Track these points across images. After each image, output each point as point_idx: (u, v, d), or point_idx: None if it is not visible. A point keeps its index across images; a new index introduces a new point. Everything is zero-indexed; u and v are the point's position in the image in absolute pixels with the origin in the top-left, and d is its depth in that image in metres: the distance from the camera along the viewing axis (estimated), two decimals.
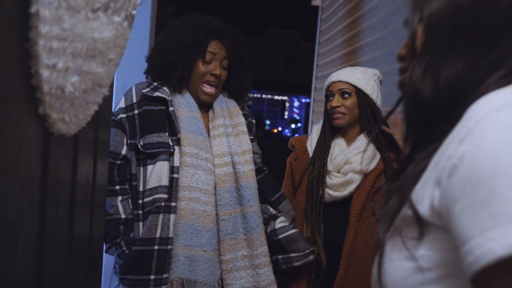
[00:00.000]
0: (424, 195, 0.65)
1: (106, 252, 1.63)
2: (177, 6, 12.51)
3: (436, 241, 0.64)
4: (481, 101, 0.63)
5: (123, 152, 1.63)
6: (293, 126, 27.46)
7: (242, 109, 1.85)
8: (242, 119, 1.80)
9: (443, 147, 0.64)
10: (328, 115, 1.92)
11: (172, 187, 1.59)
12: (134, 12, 0.83)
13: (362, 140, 1.88)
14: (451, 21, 0.70)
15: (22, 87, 0.61)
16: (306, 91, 24.86)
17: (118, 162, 1.63)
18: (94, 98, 0.81)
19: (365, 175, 1.83)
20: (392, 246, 0.70)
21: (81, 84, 0.72)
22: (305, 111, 26.74)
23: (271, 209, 1.79)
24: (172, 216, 1.58)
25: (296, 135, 26.34)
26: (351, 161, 1.83)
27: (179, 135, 1.62)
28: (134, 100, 1.67)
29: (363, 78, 1.86)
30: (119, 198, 1.61)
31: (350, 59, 4.11)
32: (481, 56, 0.67)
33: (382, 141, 1.88)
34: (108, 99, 1.12)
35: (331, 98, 1.88)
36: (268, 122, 26.48)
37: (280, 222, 1.78)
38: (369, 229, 1.61)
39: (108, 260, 1.80)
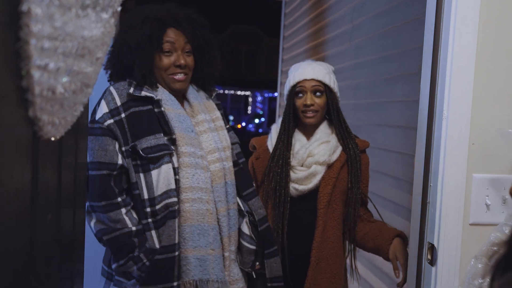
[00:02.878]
0: None
1: (120, 268, 1.53)
2: (136, 1, 12.26)
3: None
4: None
5: (119, 161, 1.53)
6: (256, 121, 27.49)
7: (211, 97, 1.79)
8: (218, 113, 1.76)
9: None
10: (295, 111, 1.92)
11: (177, 190, 1.54)
12: (119, 9, 0.80)
13: (321, 132, 1.91)
14: None
15: (13, 90, 0.58)
16: (268, 86, 24.91)
17: (115, 172, 1.52)
18: (82, 98, 0.78)
19: (329, 166, 1.86)
20: None
21: (71, 85, 0.69)
22: (268, 105, 26.80)
23: (241, 204, 1.75)
24: (176, 219, 1.54)
25: (260, 130, 26.43)
26: (313, 153, 1.86)
27: (174, 136, 1.55)
28: (118, 103, 1.56)
29: (330, 76, 1.90)
30: (123, 210, 1.52)
31: (316, 52, 4.13)
32: None
33: (344, 133, 1.91)
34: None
35: (301, 95, 1.88)
36: (231, 117, 26.41)
37: (243, 226, 1.74)
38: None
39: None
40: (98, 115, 1.55)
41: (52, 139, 0.76)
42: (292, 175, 1.87)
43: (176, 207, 1.53)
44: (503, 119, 1.45)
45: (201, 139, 1.64)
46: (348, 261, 1.96)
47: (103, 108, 1.56)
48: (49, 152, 0.78)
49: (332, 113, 1.92)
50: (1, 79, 0.54)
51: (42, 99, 0.64)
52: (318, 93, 1.88)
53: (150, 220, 1.53)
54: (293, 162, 1.89)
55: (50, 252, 0.83)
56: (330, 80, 1.89)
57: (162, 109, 1.57)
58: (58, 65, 0.63)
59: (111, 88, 1.59)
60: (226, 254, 1.63)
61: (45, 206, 0.76)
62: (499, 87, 1.45)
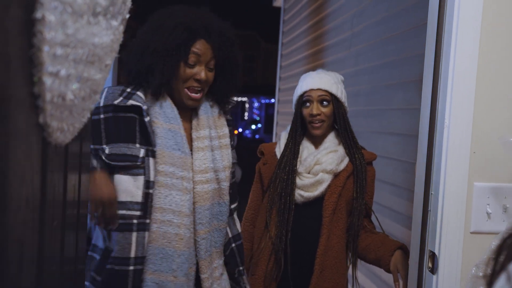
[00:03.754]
0: None
1: None
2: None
3: None
4: None
5: None
6: (253, 127, 27.50)
7: (225, 113, 1.72)
8: (227, 130, 1.69)
9: None
10: (302, 120, 1.94)
11: (147, 203, 1.48)
12: (128, 16, 0.81)
13: (330, 142, 1.93)
14: None
15: (25, 96, 0.58)
16: (265, 91, 24.92)
17: None
18: (90, 105, 0.78)
19: (335, 175, 1.87)
20: None
21: (80, 91, 0.69)
22: (265, 111, 26.82)
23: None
24: (146, 234, 1.47)
25: (257, 136, 26.40)
26: (321, 161, 1.87)
27: (154, 148, 1.50)
28: (101, 104, 1.52)
29: (337, 86, 1.91)
30: None
31: (315, 59, 4.15)
32: None
33: (350, 143, 1.93)
34: None
35: (308, 104, 1.90)
36: None
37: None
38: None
39: None
40: None
41: (59, 146, 0.76)
42: (298, 181, 1.88)
43: (135, 221, 1.47)
44: (505, 127, 1.46)
45: (195, 156, 1.57)
46: (348, 271, 1.96)
47: None
48: (56, 158, 0.78)
49: (338, 123, 1.93)
50: (15, 85, 0.54)
51: (53, 106, 0.64)
52: (325, 103, 1.90)
53: None
54: (300, 169, 1.90)
55: (55, 258, 0.83)
56: (337, 90, 1.91)
57: (147, 119, 1.50)
58: (69, 71, 0.64)
59: (106, 88, 1.56)
60: (205, 275, 1.57)
61: (52, 212, 0.76)
62: (501, 95, 1.45)
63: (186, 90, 1.56)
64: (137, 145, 1.50)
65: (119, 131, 1.50)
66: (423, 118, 1.54)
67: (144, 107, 1.51)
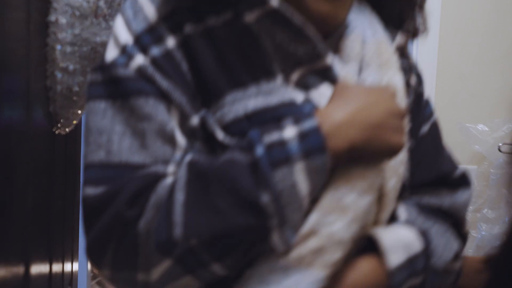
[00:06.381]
0: None
1: None
2: None
3: None
4: None
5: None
6: None
7: (402, 49, 0.71)
8: (397, 78, 0.67)
9: None
10: None
11: None
12: None
13: None
14: None
15: (39, 89, 0.68)
16: None
17: None
18: None
19: None
20: None
21: (84, 84, 0.79)
22: None
23: None
24: None
25: None
26: None
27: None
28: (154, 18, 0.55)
29: None
30: None
31: None
32: None
33: None
34: None
35: None
36: None
37: None
38: None
39: None
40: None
41: (63, 132, 0.85)
42: None
43: None
44: (463, 115, 1.61)
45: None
46: None
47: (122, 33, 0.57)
48: (61, 144, 0.87)
49: None
50: (35, 79, 0.63)
51: (62, 97, 0.73)
52: None
53: None
54: None
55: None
56: None
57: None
58: (76, 66, 0.73)
59: None
60: None
61: (59, 196, 0.85)
62: (459, 87, 1.60)
63: None
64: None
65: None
66: None
67: None
